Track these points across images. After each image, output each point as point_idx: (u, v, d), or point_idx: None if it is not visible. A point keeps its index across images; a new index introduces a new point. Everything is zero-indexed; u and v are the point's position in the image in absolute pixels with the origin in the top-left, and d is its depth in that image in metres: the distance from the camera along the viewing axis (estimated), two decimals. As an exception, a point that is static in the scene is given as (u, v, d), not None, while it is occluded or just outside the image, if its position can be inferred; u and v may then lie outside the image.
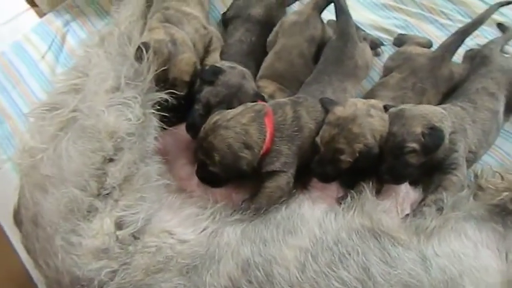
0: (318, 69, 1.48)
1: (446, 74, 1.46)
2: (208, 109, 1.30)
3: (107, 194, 1.08)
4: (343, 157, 1.20)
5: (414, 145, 1.19)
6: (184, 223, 1.16)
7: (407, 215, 1.20)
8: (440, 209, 1.18)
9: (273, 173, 1.23)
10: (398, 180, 1.24)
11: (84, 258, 1.03)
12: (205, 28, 1.55)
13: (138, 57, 1.30)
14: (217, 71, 1.34)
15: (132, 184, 1.12)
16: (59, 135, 1.15)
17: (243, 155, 1.19)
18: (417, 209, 1.21)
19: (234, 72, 1.36)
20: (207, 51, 1.53)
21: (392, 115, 1.25)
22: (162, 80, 1.32)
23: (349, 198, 1.21)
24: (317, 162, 1.24)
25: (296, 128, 1.25)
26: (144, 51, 1.30)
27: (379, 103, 1.29)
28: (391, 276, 1.03)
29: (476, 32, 1.60)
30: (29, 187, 1.13)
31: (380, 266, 1.04)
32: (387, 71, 1.57)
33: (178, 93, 1.32)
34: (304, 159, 1.28)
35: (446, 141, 1.23)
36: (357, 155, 1.20)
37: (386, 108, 1.28)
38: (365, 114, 1.22)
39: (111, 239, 1.04)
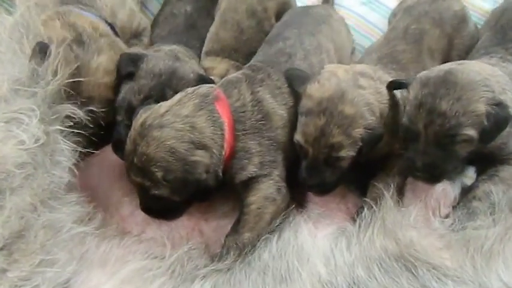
0: (283, 21, 1.11)
1: (456, 8, 1.11)
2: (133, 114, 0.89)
3: (-14, 263, 0.68)
4: (343, 153, 0.83)
5: (472, 133, 0.79)
6: (125, 286, 0.76)
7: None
8: (492, 205, 0.83)
9: (250, 182, 0.86)
10: (438, 179, 0.86)
11: None
12: (136, 4, 1.16)
13: (38, 58, 0.91)
14: (135, 58, 0.95)
15: (27, 242, 0.71)
16: None
17: (196, 159, 0.81)
18: (463, 204, 0.86)
19: (160, 55, 0.98)
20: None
21: (434, 79, 0.82)
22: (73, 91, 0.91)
23: (365, 210, 0.84)
24: (307, 171, 0.86)
25: (260, 116, 0.88)
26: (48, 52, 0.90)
27: (371, 70, 0.92)
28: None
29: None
30: None
31: (425, 318, 0.68)
32: None
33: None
34: (288, 162, 0.91)
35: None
36: (360, 144, 0.84)
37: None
38: (353, 85, 0.86)
39: None
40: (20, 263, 0.69)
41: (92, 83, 0.92)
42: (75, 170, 0.85)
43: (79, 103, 0.89)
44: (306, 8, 1.18)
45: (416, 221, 0.82)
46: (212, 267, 0.79)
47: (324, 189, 0.89)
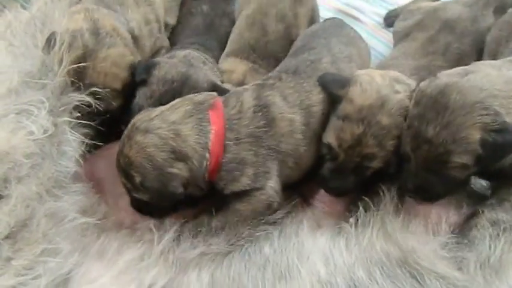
0: (312, 31, 1.06)
1: (485, 28, 1.05)
2: None
3: (-9, 251, 0.69)
4: (374, 164, 0.82)
5: (465, 160, 0.72)
6: (122, 278, 0.77)
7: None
8: (502, 232, 0.75)
9: (242, 194, 0.83)
10: (431, 200, 0.82)
11: None
12: (159, 29, 1.14)
13: (47, 48, 0.92)
14: (149, 66, 0.95)
15: (31, 231, 0.72)
16: None
17: (174, 171, 0.78)
18: (464, 231, 0.79)
19: (174, 61, 0.98)
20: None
21: (426, 98, 0.75)
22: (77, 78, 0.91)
23: (361, 209, 0.82)
24: (331, 173, 0.84)
25: (263, 122, 0.83)
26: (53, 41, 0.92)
27: (402, 76, 0.87)
28: None
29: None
30: None
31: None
32: (400, 36, 1.15)
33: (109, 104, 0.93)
34: (297, 171, 0.88)
35: None
36: (390, 156, 0.82)
37: None
38: (391, 92, 0.81)
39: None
40: (24, 251, 0.71)
41: (97, 70, 0.91)
42: (81, 161, 0.86)
43: (83, 87, 0.90)
44: (341, 21, 1.11)
45: (418, 228, 0.78)
46: (201, 250, 0.78)
47: (343, 191, 0.87)
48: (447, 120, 0.71)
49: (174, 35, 1.21)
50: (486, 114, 0.70)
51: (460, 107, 0.71)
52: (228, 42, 1.13)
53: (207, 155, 0.80)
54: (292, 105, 0.86)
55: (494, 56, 0.97)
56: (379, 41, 1.25)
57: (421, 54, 1.02)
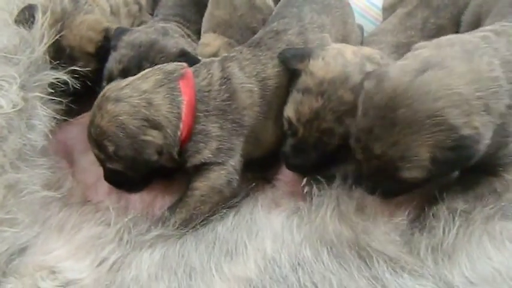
0: (283, 2, 1.03)
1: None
2: None
3: None
4: (333, 140, 0.79)
5: (415, 174, 0.67)
6: (78, 252, 0.79)
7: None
8: (458, 216, 0.72)
9: (202, 168, 0.82)
10: (390, 198, 0.78)
11: None
12: (140, 10, 1.18)
13: (23, 22, 0.95)
14: (121, 32, 0.97)
15: (-13, 201, 0.75)
16: None
17: (148, 139, 0.78)
18: (421, 217, 0.76)
19: (148, 30, 0.98)
20: None
21: (373, 110, 0.69)
22: (58, 53, 0.96)
23: (314, 188, 0.80)
24: (292, 150, 0.83)
25: (227, 95, 0.83)
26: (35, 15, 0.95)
27: (379, 55, 0.83)
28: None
29: None
30: None
31: (373, 311, 0.63)
32: (388, 14, 1.12)
33: (81, 70, 0.95)
34: (258, 148, 0.88)
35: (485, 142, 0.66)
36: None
37: None
38: (359, 71, 0.78)
39: None
40: (-21, 219, 0.74)
41: (73, 33, 0.97)
42: (50, 136, 0.88)
43: (63, 61, 0.93)
44: None
45: (373, 211, 0.76)
46: (155, 233, 0.78)
47: (305, 169, 0.85)
48: (395, 139, 0.66)
49: (158, 8, 1.20)
50: (438, 131, 0.63)
51: (408, 125, 0.64)
52: (203, 23, 1.12)
53: (181, 124, 0.80)
54: (249, 76, 0.85)
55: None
56: (369, 21, 1.20)
57: (399, 30, 0.99)
